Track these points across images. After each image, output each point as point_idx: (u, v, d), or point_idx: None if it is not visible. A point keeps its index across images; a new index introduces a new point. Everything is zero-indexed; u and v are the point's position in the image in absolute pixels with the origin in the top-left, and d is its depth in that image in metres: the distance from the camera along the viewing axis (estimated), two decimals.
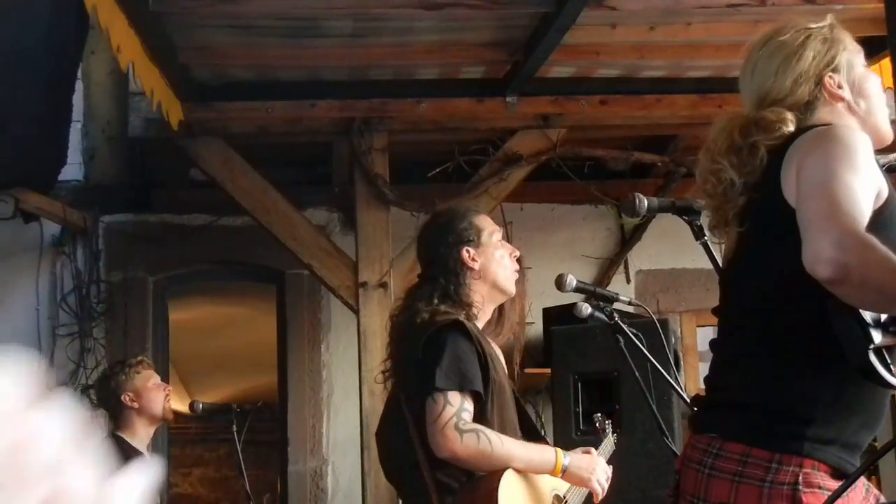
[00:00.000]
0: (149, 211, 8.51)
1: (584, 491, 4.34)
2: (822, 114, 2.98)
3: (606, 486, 4.23)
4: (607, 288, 5.35)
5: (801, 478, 2.68)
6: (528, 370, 8.23)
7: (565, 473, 4.14)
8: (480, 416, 4.03)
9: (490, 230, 4.40)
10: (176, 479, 15.01)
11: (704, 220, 3.45)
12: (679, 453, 3.35)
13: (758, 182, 2.88)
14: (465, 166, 7.43)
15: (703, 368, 8.19)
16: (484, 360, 4.07)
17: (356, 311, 7.00)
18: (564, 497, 4.30)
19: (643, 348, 4.70)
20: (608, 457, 4.70)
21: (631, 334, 4.77)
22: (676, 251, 8.18)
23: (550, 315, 8.01)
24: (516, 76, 6.86)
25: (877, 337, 2.63)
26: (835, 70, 3.01)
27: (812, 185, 2.67)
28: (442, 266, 4.27)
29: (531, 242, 8.22)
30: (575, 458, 4.18)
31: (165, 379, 6.53)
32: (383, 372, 4.39)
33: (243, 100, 7.06)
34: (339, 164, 7.94)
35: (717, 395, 2.98)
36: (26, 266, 8.24)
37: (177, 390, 12.66)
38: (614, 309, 4.88)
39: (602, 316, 4.86)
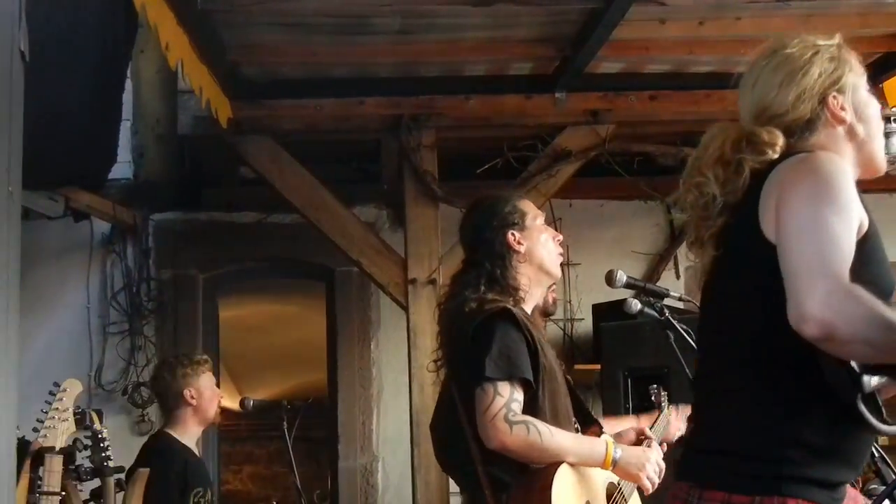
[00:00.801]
0: (198, 209, 8.54)
1: None
2: (820, 136, 2.90)
3: (658, 480, 4.19)
4: (657, 284, 5.32)
5: None
6: (577, 366, 8.21)
7: (615, 467, 4.11)
8: (532, 404, 4.02)
9: (534, 214, 4.39)
10: (226, 476, 15.07)
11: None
12: None
13: (738, 204, 2.81)
14: (513, 162, 7.41)
15: None
16: (533, 347, 4.05)
17: (405, 308, 7.00)
18: (619, 485, 4.28)
19: (693, 344, 4.67)
20: (664, 432, 4.68)
21: (681, 330, 4.75)
22: None
23: (600, 311, 8.00)
24: (565, 72, 6.84)
25: (867, 381, 2.61)
26: (840, 90, 2.93)
27: (794, 231, 2.60)
28: (487, 250, 4.26)
29: (580, 239, 8.20)
30: (626, 452, 4.15)
31: (216, 376, 6.55)
32: (435, 361, 4.38)
33: (292, 97, 7.07)
34: (388, 160, 7.94)
35: (695, 440, 2.91)
36: (77, 264, 8.29)
37: (227, 387, 12.70)
38: (664, 305, 4.86)
39: (652, 312, 4.84)
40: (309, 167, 7.13)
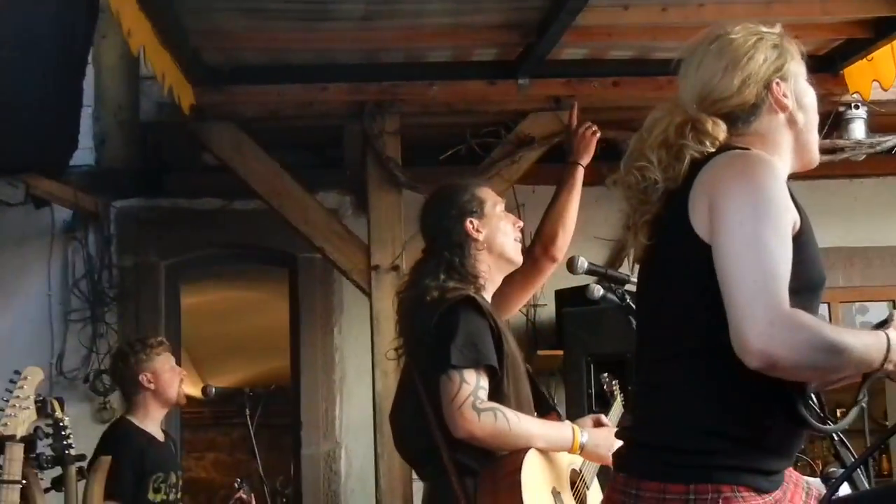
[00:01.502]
0: (161, 195, 8.50)
1: (598, 464, 4.34)
2: (762, 122, 2.92)
3: None
4: (620, 269, 5.33)
5: (720, 503, 2.65)
6: (540, 352, 8.22)
7: (583, 451, 4.14)
8: (496, 391, 4.03)
9: (493, 201, 4.42)
10: (189, 463, 15.03)
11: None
12: None
13: (676, 191, 2.83)
14: (476, 149, 7.40)
15: None
16: (497, 335, 4.07)
17: (369, 295, 6.99)
18: (580, 471, 4.30)
19: None
20: (618, 419, 4.71)
21: None
22: None
23: (563, 297, 8.01)
24: (528, 58, 6.84)
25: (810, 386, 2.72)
26: (783, 77, 2.95)
27: (733, 254, 2.61)
28: (446, 239, 4.28)
29: None
30: (593, 435, 4.17)
31: (178, 363, 6.53)
32: (396, 349, 4.39)
33: (255, 83, 7.05)
34: (351, 147, 7.92)
35: (632, 433, 2.94)
36: (38, 252, 8.25)
37: (189, 375, 12.65)
38: (626, 291, 4.88)
39: (614, 298, 4.86)
40: (272, 153, 7.12)
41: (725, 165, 2.77)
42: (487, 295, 4.28)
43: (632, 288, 4.92)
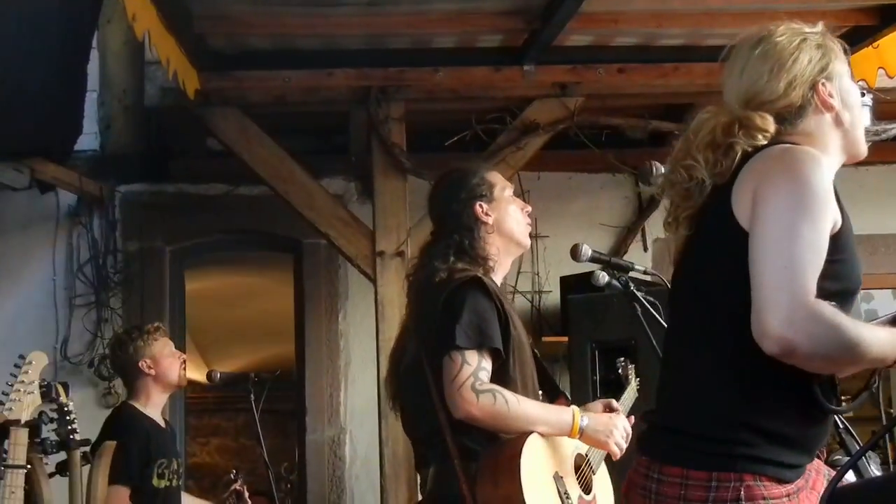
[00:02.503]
0: (165, 180, 8.50)
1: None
2: (810, 123, 2.93)
3: (626, 445, 4.21)
4: (625, 256, 5.35)
5: (742, 492, 2.66)
6: (545, 339, 8.22)
7: (583, 435, 4.13)
8: (502, 373, 4.03)
9: (502, 185, 4.42)
10: (193, 448, 15.06)
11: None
12: None
13: (723, 184, 2.84)
14: (482, 135, 7.40)
15: None
16: (504, 317, 4.07)
17: (373, 281, 6.99)
18: (586, 455, 4.30)
19: (659, 317, 4.69)
20: (631, 405, 4.70)
21: (647, 303, 4.78)
22: None
23: (568, 284, 8.00)
24: (534, 45, 6.83)
25: None
26: (828, 78, 2.96)
27: (768, 240, 2.64)
28: (455, 222, 4.28)
29: (548, 211, 8.20)
30: (592, 420, 4.17)
31: (182, 348, 6.53)
32: (398, 335, 4.40)
33: (260, 69, 7.04)
34: (357, 133, 7.92)
35: (657, 417, 2.95)
36: (43, 236, 8.25)
37: (194, 360, 12.68)
38: (630, 278, 4.88)
39: (618, 284, 4.86)
40: (277, 139, 7.11)
41: (775, 158, 2.78)
42: (497, 278, 4.28)
43: (636, 276, 4.94)
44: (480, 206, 4.31)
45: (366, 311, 7.61)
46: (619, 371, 5.17)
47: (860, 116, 3.05)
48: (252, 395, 6.48)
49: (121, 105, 8.38)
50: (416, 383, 4.21)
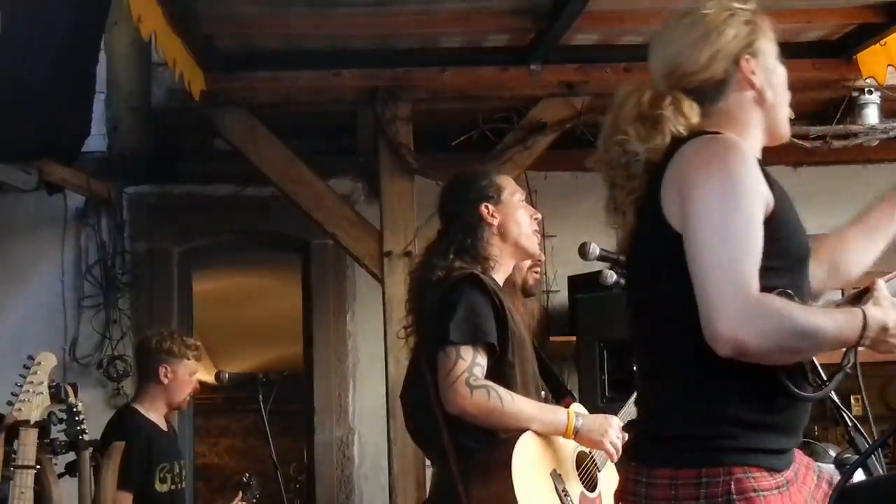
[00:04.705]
0: (173, 182, 8.51)
1: None
2: (730, 100, 2.90)
3: (620, 447, 4.21)
4: None
5: (732, 486, 2.64)
6: (553, 338, 8.23)
7: (577, 435, 4.13)
8: (500, 368, 4.04)
9: (511, 189, 4.43)
10: (202, 449, 15.05)
11: None
12: None
13: (658, 167, 2.81)
14: (489, 135, 7.41)
15: None
16: (502, 314, 4.07)
17: (381, 281, 7.00)
18: (590, 453, 4.29)
19: None
20: (626, 420, 4.70)
21: None
22: None
23: (575, 283, 8.01)
24: (540, 44, 6.83)
25: None
26: (752, 54, 2.92)
27: (701, 241, 2.62)
28: (461, 222, 4.31)
29: (555, 211, 8.20)
30: (587, 420, 4.16)
31: None
32: (405, 328, 4.41)
33: (267, 69, 7.05)
34: (364, 133, 7.92)
35: (642, 426, 2.95)
36: (51, 238, 8.27)
37: (202, 361, 12.68)
38: None
39: None
40: (284, 140, 7.12)
41: (693, 153, 2.75)
42: (497, 277, 4.29)
43: None
44: (487, 207, 4.33)
45: (374, 311, 7.61)
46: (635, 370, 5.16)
47: (784, 97, 3.00)
48: (260, 396, 6.47)
49: (128, 106, 8.38)
50: (416, 381, 4.23)
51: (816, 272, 3.03)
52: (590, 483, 4.26)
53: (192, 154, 8.62)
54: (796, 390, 2.69)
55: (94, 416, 5.77)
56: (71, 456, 5.14)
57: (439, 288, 4.11)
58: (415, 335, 4.33)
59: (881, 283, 2.79)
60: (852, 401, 5.38)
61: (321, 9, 6.43)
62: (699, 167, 2.71)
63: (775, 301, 2.56)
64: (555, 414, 4.14)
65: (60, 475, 5.16)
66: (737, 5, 2.98)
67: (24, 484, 4.66)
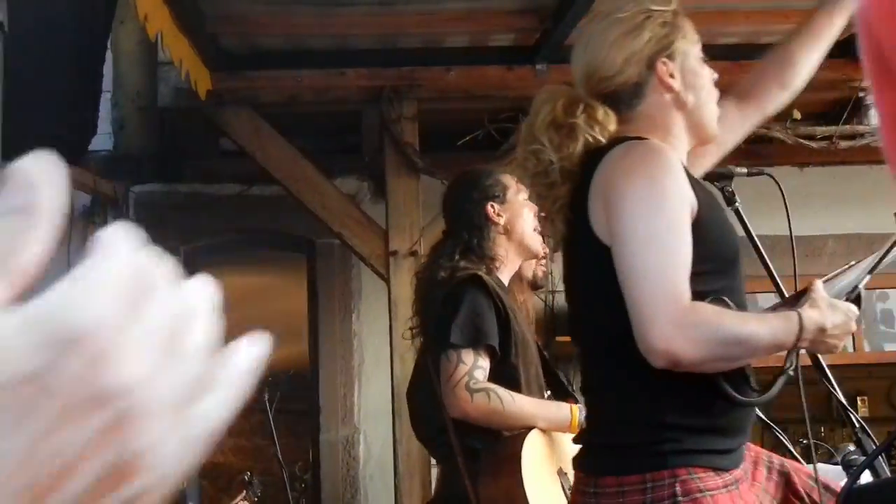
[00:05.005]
0: (179, 181, 8.51)
1: None
2: (649, 103, 2.88)
3: None
4: None
5: (678, 488, 2.64)
6: (558, 338, 8.21)
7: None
8: (503, 369, 4.04)
9: (516, 188, 4.43)
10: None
11: (739, 184, 3.36)
12: None
13: (577, 186, 2.79)
14: (494, 134, 7.40)
15: None
16: (504, 315, 4.07)
17: (387, 280, 7.00)
18: None
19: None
20: None
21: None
22: None
23: None
24: (546, 43, 6.82)
25: None
26: (669, 56, 2.90)
27: (629, 253, 2.62)
28: (466, 221, 4.31)
29: None
30: None
31: None
32: (410, 329, 4.42)
33: (272, 69, 7.05)
34: (369, 132, 7.92)
35: (588, 437, 2.97)
36: (57, 237, 8.25)
37: None
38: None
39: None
40: (290, 139, 7.12)
41: (617, 161, 2.74)
42: (503, 277, 4.29)
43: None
44: (492, 206, 4.33)
45: (379, 310, 7.61)
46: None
47: (708, 98, 2.98)
48: (266, 395, 6.48)
49: (134, 106, 8.38)
50: (422, 381, 4.24)
51: (765, 91, 3.02)
52: None
53: (198, 153, 8.62)
54: (737, 396, 2.68)
55: None
56: None
57: (443, 288, 4.11)
58: (421, 336, 4.34)
59: (819, 285, 2.78)
60: (859, 402, 5.38)
61: (327, 8, 6.44)
62: (622, 176, 2.70)
63: (706, 310, 2.56)
64: (558, 409, 4.15)
65: None
66: (655, 7, 2.94)
67: None
